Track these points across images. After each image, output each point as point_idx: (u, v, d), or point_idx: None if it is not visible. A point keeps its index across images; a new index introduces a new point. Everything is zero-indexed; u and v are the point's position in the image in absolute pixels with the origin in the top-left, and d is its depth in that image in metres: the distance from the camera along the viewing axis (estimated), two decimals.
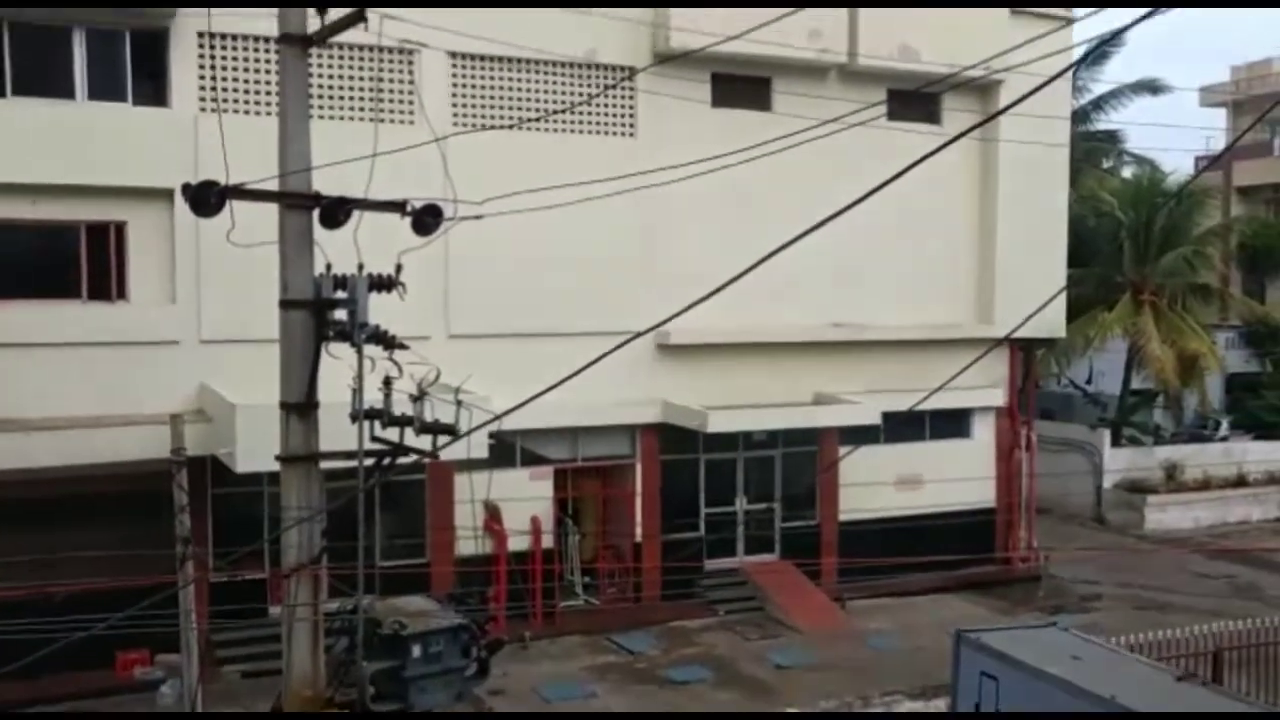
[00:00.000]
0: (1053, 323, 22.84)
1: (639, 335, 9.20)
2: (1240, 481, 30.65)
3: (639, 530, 21.18)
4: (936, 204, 22.32)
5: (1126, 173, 39.16)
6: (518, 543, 19.69)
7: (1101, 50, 33.06)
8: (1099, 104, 37.44)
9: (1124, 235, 31.33)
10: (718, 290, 7.60)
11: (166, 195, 16.58)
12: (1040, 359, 27.82)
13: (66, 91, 16.99)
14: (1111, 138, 39.43)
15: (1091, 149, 37.41)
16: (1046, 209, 23.78)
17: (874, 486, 22.10)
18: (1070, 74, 27.31)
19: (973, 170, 23.39)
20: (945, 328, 23.04)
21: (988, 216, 23.61)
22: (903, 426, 21.87)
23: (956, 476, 23.09)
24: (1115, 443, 30.87)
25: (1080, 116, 35.42)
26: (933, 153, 6.86)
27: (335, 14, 8.62)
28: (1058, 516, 29.09)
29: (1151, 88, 37.21)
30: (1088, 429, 31.25)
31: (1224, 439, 32.88)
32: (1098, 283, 31.19)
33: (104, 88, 17.18)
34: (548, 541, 20.24)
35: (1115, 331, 30.12)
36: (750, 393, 21.17)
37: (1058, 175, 24.19)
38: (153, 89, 17.51)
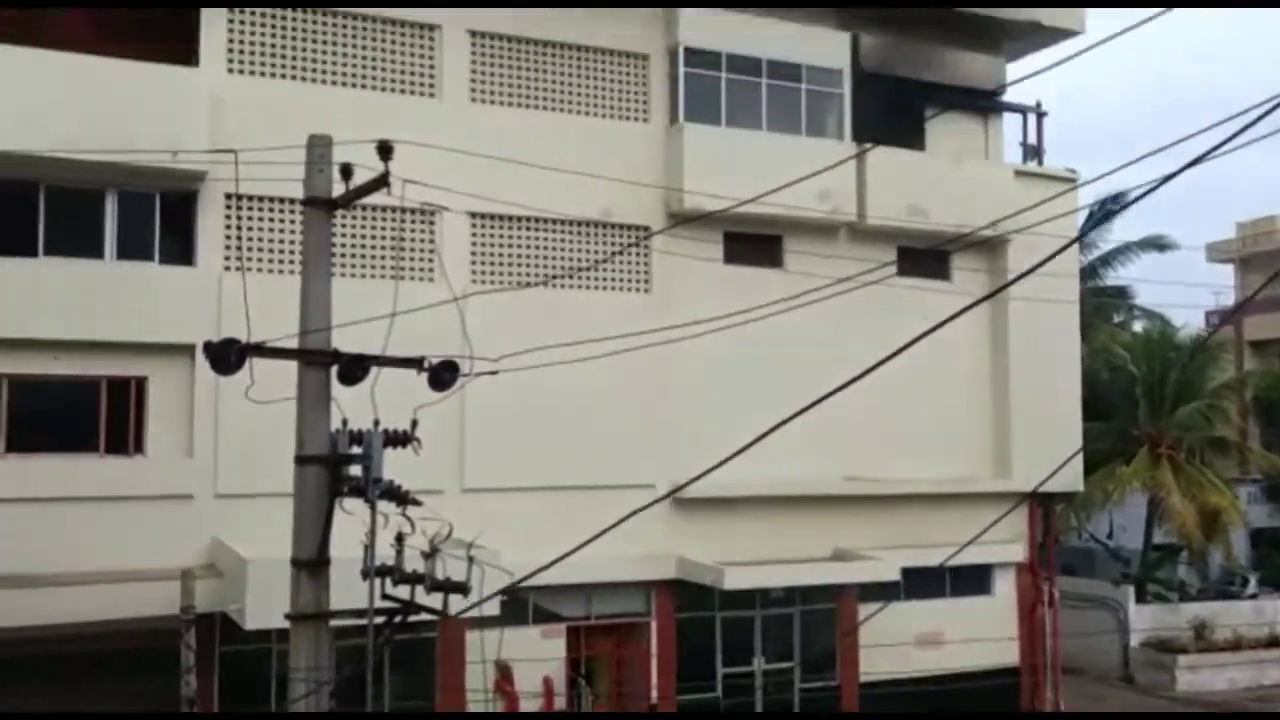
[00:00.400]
0: (1071, 477, 22.60)
1: (660, 500, 9.19)
2: (1274, 642, 29.59)
3: (654, 692, 20.64)
4: (948, 358, 22.35)
5: (1137, 327, 39.47)
6: (530, 704, 19.19)
7: (1107, 208, 33.76)
8: (1106, 260, 38.02)
9: (1138, 389, 31.34)
10: (738, 453, 7.64)
11: (188, 351, 16.81)
12: (1060, 513, 27.47)
13: (96, 251, 17.40)
14: (1121, 293, 39.88)
15: (1101, 304, 37.79)
16: (1059, 362, 23.82)
17: (895, 646, 21.54)
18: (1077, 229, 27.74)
19: (984, 325, 23.53)
20: (962, 481, 22.86)
21: (1000, 370, 23.67)
22: (923, 583, 21.48)
23: (979, 635, 22.51)
24: (1140, 599, 30.09)
25: (1089, 272, 35.93)
26: (953, 317, 6.98)
27: (360, 178, 8.91)
28: (1089, 677, 28.18)
29: (1158, 245, 37.84)
30: (1111, 585, 30.53)
31: (1253, 596, 32.05)
32: (1115, 436, 31.05)
33: (132, 247, 17.60)
34: (560, 703, 19.70)
35: (1134, 485, 29.79)
36: (767, 548, 20.86)
37: (1069, 329, 24.31)
38: (179, 248, 17.96)
